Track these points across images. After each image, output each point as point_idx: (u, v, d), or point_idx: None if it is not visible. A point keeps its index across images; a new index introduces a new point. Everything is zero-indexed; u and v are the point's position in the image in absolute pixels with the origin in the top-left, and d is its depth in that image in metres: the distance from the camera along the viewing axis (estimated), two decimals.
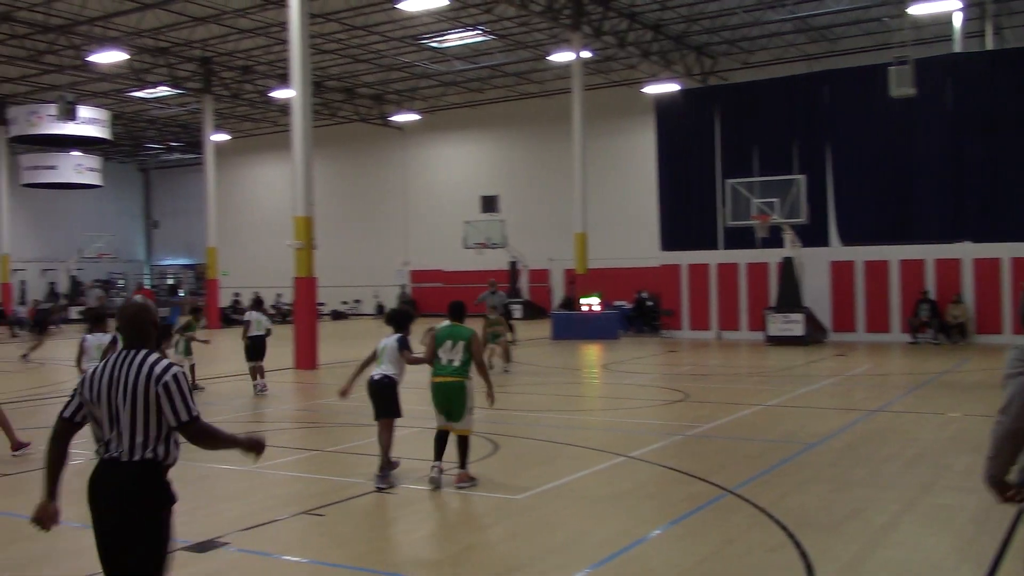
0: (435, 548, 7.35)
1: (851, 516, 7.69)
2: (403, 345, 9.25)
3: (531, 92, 40.82)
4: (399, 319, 9.63)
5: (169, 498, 4.33)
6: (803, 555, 6.60)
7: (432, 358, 8.97)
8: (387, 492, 8.63)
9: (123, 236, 53.37)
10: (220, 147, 41.51)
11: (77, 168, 38.92)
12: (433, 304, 42.41)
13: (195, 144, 47.84)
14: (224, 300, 40.01)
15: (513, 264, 38.71)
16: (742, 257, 27.73)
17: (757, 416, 13.16)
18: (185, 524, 7.79)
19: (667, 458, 10.20)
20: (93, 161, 39.88)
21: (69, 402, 4.44)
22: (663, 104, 35.69)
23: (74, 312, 41.56)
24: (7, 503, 8.73)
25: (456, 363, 8.82)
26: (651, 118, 36.54)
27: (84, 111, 33.83)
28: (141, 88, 38.18)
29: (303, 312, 20.96)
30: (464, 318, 9.14)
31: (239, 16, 29.89)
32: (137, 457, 4.25)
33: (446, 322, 9.13)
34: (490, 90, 41.17)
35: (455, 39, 33.26)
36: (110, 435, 4.29)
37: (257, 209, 48.95)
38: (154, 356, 4.40)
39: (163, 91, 38.58)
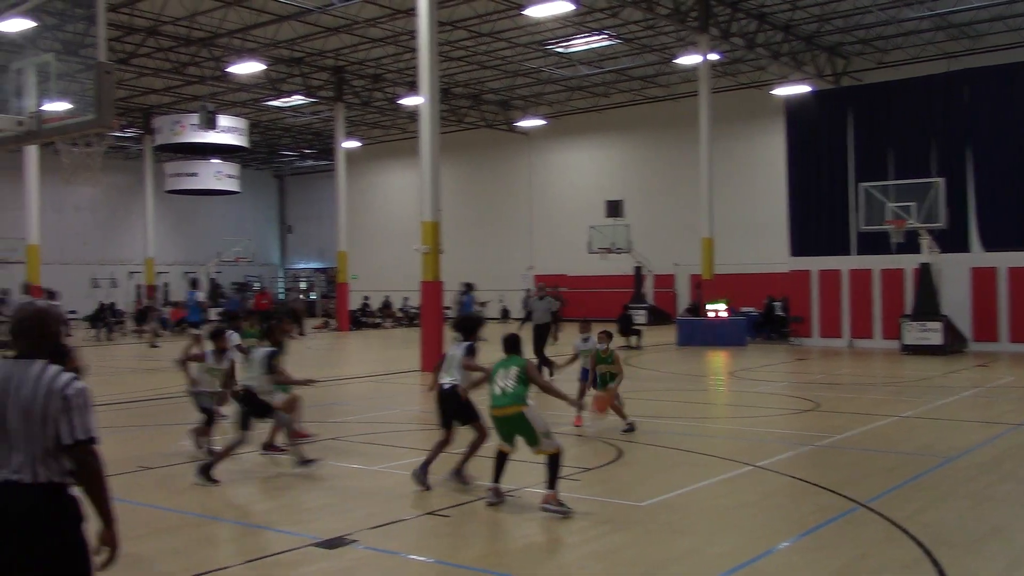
0: (556, 553, 7.35)
1: (992, 534, 7.35)
2: (468, 353, 9.03)
3: (657, 96, 40.52)
4: (466, 326, 9.38)
5: (80, 517, 3.93)
6: (940, 573, 6.34)
7: (486, 379, 8.63)
8: (509, 496, 8.64)
9: (259, 240, 55.26)
10: (351, 154, 42.60)
11: (217, 175, 40.47)
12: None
13: (327, 151, 49.22)
14: (354, 303, 40.99)
15: (638, 269, 38.48)
16: (876, 263, 26.82)
17: (892, 427, 12.71)
18: (315, 521, 8.02)
19: (796, 469, 9.95)
20: (232, 168, 41.43)
21: None
22: (793, 106, 34.93)
23: (213, 314, 43.24)
24: (151, 496, 9.12)
25: (509, 388, 8.19)
26: (781, 121, 35.82)
27: (224, 120, 35.21)
28: (277, 97, 39.49)
29: (429, 315, 21.28)
30: (520, 351, 8.63)
31: (370, 26, 30.62)
32: (42, 479, 3.86)
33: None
34: (615, 94, 41.04)
35: (581, 44, 33.26)
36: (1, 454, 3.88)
37: (386, 214, 50.02)
38: (54, 368, 3.96)
39: (297, 100, 39.82)
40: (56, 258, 41.37)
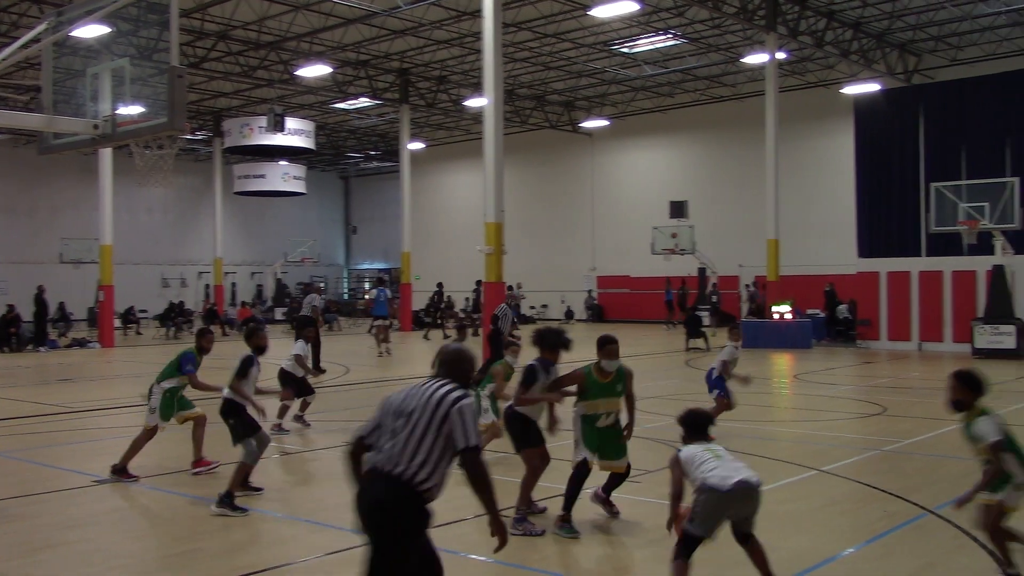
0: (621, 561, 7.30)
1: None
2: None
3: (723, 95, 40.13)
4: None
5: (424, 522, 4.58)
6: None
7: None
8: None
9: (324, 241, 55.97)
10: (415, 155, 42.90)
11: (284, 177, 41.10)
12: (620, 310, 42.35)
13: (392, 152, 49.67)
14: (418, 303, 41.24)
15: (702, 271, 38.17)
16: (947, 265, 26.28)
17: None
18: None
19: (862, 474, 9.80)
20: (298, 170, 42.05)
21: (372, 427, 4.79)
22: (863, 105, 34.42)
23: (279, 314, 43.98)
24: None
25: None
26: (849, 120, 35.33)
27: (291, 123, 35.70)
28: (343, 100, 39.95)
29: (491, 316, 21.32)
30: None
31: (435, 28, 30.80)
32: (435, 480, 4.56)
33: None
34: (680, 94, 40.73)
35: (646, 44, 33.05)
36: (385, 447, 4.60)
37: (449, 215, 50.24)
38: (448, 383, 4.74)
39: (363, 102, 40.24)
40: (128, 258, 42.40)
